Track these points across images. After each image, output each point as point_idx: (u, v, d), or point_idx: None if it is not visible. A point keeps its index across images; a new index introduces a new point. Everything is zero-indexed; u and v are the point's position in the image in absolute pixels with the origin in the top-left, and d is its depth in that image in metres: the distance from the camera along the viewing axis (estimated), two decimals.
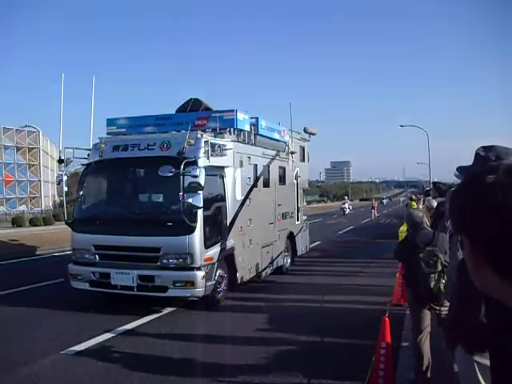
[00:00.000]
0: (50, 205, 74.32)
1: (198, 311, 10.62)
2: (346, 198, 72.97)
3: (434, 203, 9.45)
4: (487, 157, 2.83)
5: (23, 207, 66.67)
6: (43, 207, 69.51)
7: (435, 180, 18.76)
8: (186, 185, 9.32)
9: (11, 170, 67.64)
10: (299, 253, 16.45)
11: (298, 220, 16.61)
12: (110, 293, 10.79)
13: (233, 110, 11.90)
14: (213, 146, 10.49)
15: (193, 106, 13.10)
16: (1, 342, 8.60)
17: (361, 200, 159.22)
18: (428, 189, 12.22)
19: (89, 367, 7.12)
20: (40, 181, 71.82)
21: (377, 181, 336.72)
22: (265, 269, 13.35)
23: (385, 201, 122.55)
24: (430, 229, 6.51)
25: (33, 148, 70.98)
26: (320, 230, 26.58)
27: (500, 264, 1.02)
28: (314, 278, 14.46)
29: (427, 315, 5.95)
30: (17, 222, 48.06)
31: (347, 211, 61.22)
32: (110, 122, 13.18)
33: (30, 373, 6.92)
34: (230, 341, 8.24)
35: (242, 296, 12.02)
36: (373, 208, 54.52)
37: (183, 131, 10.94)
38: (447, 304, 5.49)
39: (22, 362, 7.35)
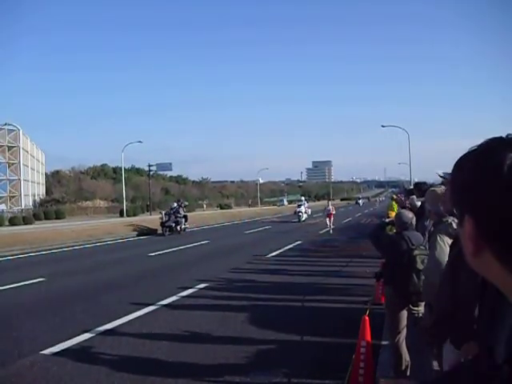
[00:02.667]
0: (30, 204, 73.85)
1: (179, 310, 10.64)
2: (303, 198, 57.60)
3: (418, 203, 9.50)
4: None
5: (3, 206, 66.04)
6: (23, 206, 68.96)
7: (416, 180, 18.93)
8: None
9: None
10: None
11: None
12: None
13: None
14: None
15: None
16: None
17: (342, 200, 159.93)
18: (411, 188, 12.25)
19: (68, 367, 7.07)
20: (20, 179, 71.23)
21: (358, 180, 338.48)
22: None
23: (361, 201, 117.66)
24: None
25: (13, 146, 70.34)
26: (300, 230, 26.68)
27: (504, 248, 0.97)
28: (294, 277, 14.51)
29: (405, 315, 5.99)
30: None
31: (303, 217, 46.38)
32: None
33: (7, 374, 6.86)
34: (210, 340, 8.23)
35: (223, 295, 12.07)
36: (328, 216, 33.84)
37: None
38: (422, 304, 5.54)
39: (0, 363, 7.29)
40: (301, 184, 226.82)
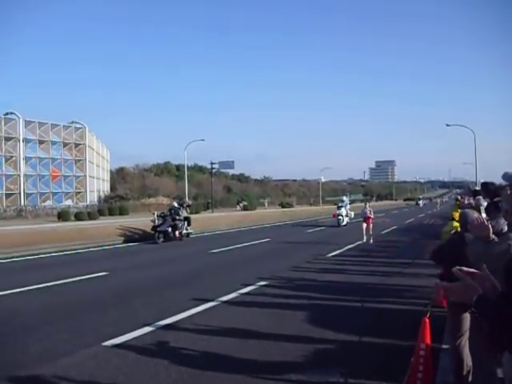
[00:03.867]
0: (95, 200, 75.44)
1: (239, 307, 10.70)
2: (345, 198, 43.72)
3: (484, 203, 9.25)
4: None
5: (69, 202, 67.71)
6: (88, 202, 70.53)
7: (483, 181, 18.41)
8: None
9: (58, 165, 68.81)
10: None
11: None
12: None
13: None
14: None
15: None
16: (42, 332, 8.80)
17: (405, 200, 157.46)
18: (477, 189, 11.94)
19: (129, 359, 7.21)
20: (86, 176, 72.86)
21: (422, 181, 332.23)
22: None
23: (421, 202, 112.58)
24: None
25: (79, 144, 72.05)
26: (361, 230, 26.36)
27: None
28: (354, 277, 14.36)
29: (467, 318, 5.82)
30: (62, 216, 48.94)
31: (344, 220, 38.53)
32: None
33: (72, 363, 7.04)
34: (268, 337, 8.21)
35: (282, 293, 12.05)
36: (365, 221, 26.70)
37: None
38: None
39: (64, 353, 7.52)
40: (363, 183, 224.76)
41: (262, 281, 13.65)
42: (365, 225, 26.25)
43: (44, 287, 13.45)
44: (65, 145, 70.07)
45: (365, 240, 25.10)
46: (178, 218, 28.52)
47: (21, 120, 63.89)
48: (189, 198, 71.38)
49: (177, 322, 9.39)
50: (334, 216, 40.38)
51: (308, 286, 12.98)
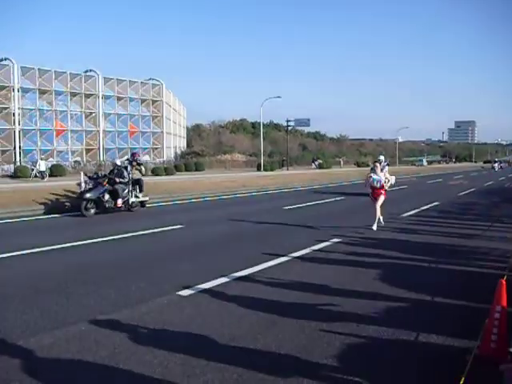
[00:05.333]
0: (172, 156, 76.66)
1: (311, 263, 10.74)
2: (382, 157, 29.43)
3: None
4: None
5: (146, 157, 69.05)
6: (165, 158, 71.77)
7: None
8: None
9: (136, 121, 70.19)
10: None
11: None
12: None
13: None
14: None
15: None
16: (120, 281, 9.15)
17: (485, 162, 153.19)
18: None
19: (201, 309, 7.40)
20: (163, 132, 74.11)
21: (504, 143, 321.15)
22: None
23: (497, 165, 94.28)
24: None
25: (156, 100, 73.10)
26: (439, 191, 25.86)
27: None
28: (429, 237, 14.12)
29: None
30: None
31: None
32: None
33: (148, 310, 7.30)
34: (338, 293, 8.21)
35: (356, 251, 11.99)
36: (374, 194, 16.53)
37: None
38: None
39: (141, 300, 7.80)
40: (441, 144, 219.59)
41: (336, 238, 13.64)
42: (373, 199, 16.34)
43: (120, 238, 13.92)
44: (142, 101, 71.30)
45: (374, 226, 15.41)
46: (121, 180, 20.79)
47: (100, 77, 65.28)
48: (264, 156, 71.48)
49: (250, 274, 9.54)
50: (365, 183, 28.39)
51: (382, 245, 12.86)
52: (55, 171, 46.69)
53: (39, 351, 5.74)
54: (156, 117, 73.35)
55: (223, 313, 7.21)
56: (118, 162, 22.10)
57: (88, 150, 64.57)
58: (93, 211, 19.74)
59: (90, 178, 20.88)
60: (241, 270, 9.79)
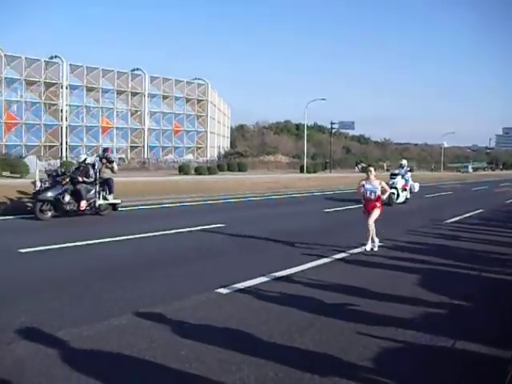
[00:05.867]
0: (215, 155, 77.05)
1: (352, 265, 10.76)
2: (404, 162, 28.71)
3: None
4: None
5: (190, 156, 69.65)
6: (208, 157, 72.18)
7: None
8: None
9: (180, 120, 70.81)
10: None
11: None
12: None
13: None
14: None
15: None
16: (160, 275, 9.31)
17: None
18: None
19: (240, 306, 7.46)
20: (207, 131, 74.53)
21: None
22: None
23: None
24: None
25: (201, 100, 73.60)
26: (484, 198, 25.43)
27: None
28: (473, 244, 13.92)
29: None
30: (183, 169, 50.46)
31: (400, 196, 26.31)
32: None
33: (185, 306, 7.37)
34: (378, 297, 8.15)
35: (396, 255, 11.90)
36: (367, 206, 12.99)
37: None
38: None
39: (179, 296, 7.87)
40: (488, 151, 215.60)
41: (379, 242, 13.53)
42: (367, 214, 12.96)
43: (162, 235, 14.12)
44: (188, 100, 71.90)
45: (367, 247, 12.55)
46: (85, 180, 18.18)
47: (146, 76, 66.08)
48: (307, 158, 71.26)
49: (290, 274, 9.55)
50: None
51: (423, 250, 12.72)
52: None
53: (79, 342, 5.85)
54: (200, 116, 73.86)
55: (261, 311, 7.24)
56: (84, 159, 19.14)
57: (133, 148, 65.37)
58: (50, 214, 17.03)
59: (48, 175, 18.20)
60: (281, 269, 9.81)
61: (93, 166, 18.67)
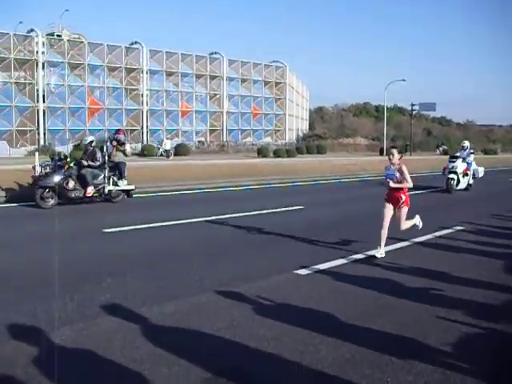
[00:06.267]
0: (294, 138, 76.95)
1: (432, 249, 10.56)
2: (467, 143, 25.26)
3: None
4: None
5: (268, 139, 69.75)
6: (287, 140, 72.16)
7: None
8: None
9: (259, 103, 70.88)
10: None
11: None
12: None
13: None
14: None
15: None
16: (243, 255, 9.54)
17: None
18: None
19: (318, 287, 7.50)
20: (285, 114, 74.38)
21: None
22: None
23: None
24: None
25: (280, 82, 73.45)
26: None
27: None
28: None
29: None
30: (262, 152, 50.69)
31: (460, 182, 22.99)
32: None
33: (265, 286, 7.45)
34: (459, 281, 7.94)
35: (479, 239, 11.60)
36: (391, 196, 9.83)
37: None
38: None
39: (258, 276, 7.97)
40: None
41: (459, 226, 13.21)
42: (387, 208, 9.90)
43: (241, 216, 14.29)
44: (266, 83, 71.87)
45: (380, 251, 9.57)
46: (90, 164, 16.87)
47: (224, 59, 66.42)
48: (387, 140, 70.24)
49: (370, 257, 9.50)
50: (443, 172, 23.81)
51: (508, 235, 12.33)
52: (180, 151, 48.59)
53: (161, 319, 6.01)
54: (279, 99, 73.76)
55: (340, 292, 7.25)
56: (90, 141, 17.61)
57: (212, 131, 66.01)
58: (52, 202, 15.66)
59: (52, 159, 16.89)
60: (360, 252, 9.78)
61: (101, 148, 17.49)
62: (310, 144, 68.57)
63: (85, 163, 16.70)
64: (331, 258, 9.15)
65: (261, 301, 6.73)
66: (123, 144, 18.49)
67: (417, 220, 10.48)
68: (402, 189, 9.61)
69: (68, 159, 16.84)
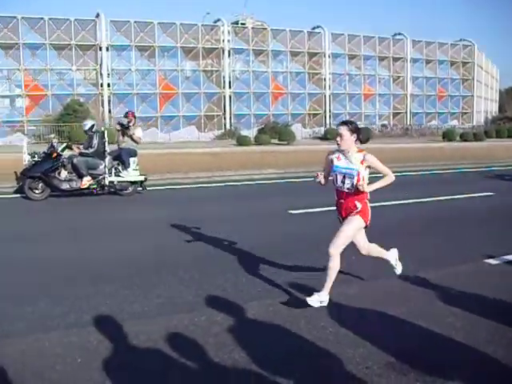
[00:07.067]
0: (482, 121, 73.52)
1: None
2: None
3: None
4: None
5: (454, 122, 67.33)
6: (474, 123, 69.16)
7: None
8: None
9: (445, 84, 68.65)
10: None
11: None
12: None
13: None
14: None
15: None
16: (421, 243, 9.05)
17: None
18: None
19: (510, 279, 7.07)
20: (473, 96, 71.24)
21: None
22: None
23: None
24: None
25: (467, 62, 70.39)
26: None
27: None
28: None
29: None
30: (447, 135, 49.33)
31: None
32: None
33: (451, 273, 7.10)
34: None
35: None
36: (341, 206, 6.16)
37: None
38: None
39: (445, 264, 7.63)
40: None
41: None
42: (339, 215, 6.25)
43: (414, 203, 13.87)
44: (452, 64, 69.24)
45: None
46: (82, 152, 15.22)
47: (408, 40, 64.87)
48: None
49: None
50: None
51: None
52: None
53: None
54: (466, 80, 70.67)
55: None
56: (91, 126, 15.45)
57: (395, 114, 64.84)
58: (41, 193, 14.46)
59: (51, 145, 15.03)
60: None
61: (102, 134, 15.29)
62: (500, 127, 64.89)
63: (75, 151, 15.32)
64: None
65: (448, 288, 6.44)
66: (127, 128, 15.76)
67: (391, 258, 6.75)
68: (357, 193, 5.91)
69: (59, 148, 14.96)
